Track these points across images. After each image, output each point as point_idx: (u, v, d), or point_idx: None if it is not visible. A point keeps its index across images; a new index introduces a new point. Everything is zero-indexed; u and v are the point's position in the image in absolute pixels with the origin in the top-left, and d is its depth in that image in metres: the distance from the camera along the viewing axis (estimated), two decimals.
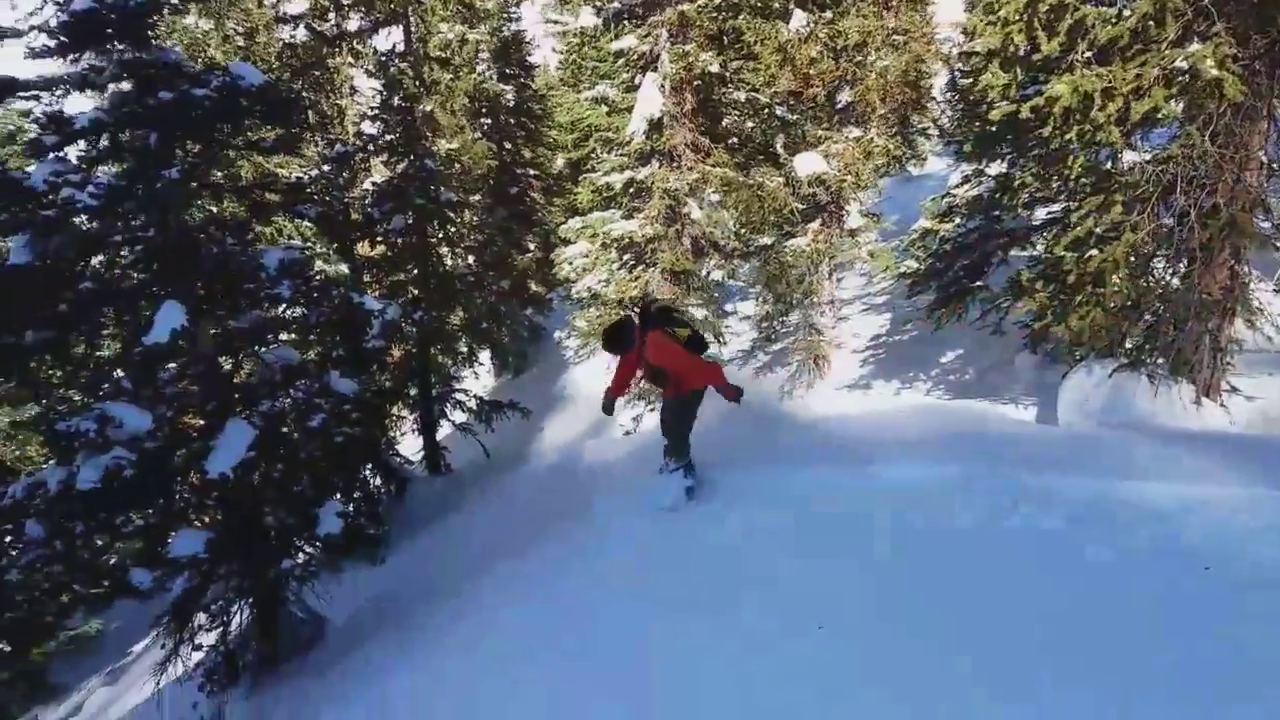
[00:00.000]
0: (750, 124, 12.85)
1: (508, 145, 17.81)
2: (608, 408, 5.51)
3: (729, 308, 14.84)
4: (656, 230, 12.13)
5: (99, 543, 7.54)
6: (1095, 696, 2.72)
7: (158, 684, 7.63)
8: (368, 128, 13.68)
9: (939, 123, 14.43)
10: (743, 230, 12.51)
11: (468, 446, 13.18)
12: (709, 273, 13.34)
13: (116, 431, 6.50)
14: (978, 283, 9.87)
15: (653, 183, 12.02)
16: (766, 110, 12.23)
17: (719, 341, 12.72)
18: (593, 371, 15.06)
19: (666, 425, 5.37)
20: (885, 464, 5.40)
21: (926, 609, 3.50)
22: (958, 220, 10.47)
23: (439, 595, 7.40)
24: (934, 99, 15.12)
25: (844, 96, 11.95)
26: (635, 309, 6.32)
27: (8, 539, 7.14)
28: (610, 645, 3.91)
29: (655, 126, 11.84)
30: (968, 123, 10.75)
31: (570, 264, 13.75)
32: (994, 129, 8.46)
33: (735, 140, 13.04)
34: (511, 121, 17.93)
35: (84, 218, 6.54)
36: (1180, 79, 6.88)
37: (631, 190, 12.38)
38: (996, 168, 10.01)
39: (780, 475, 5.46)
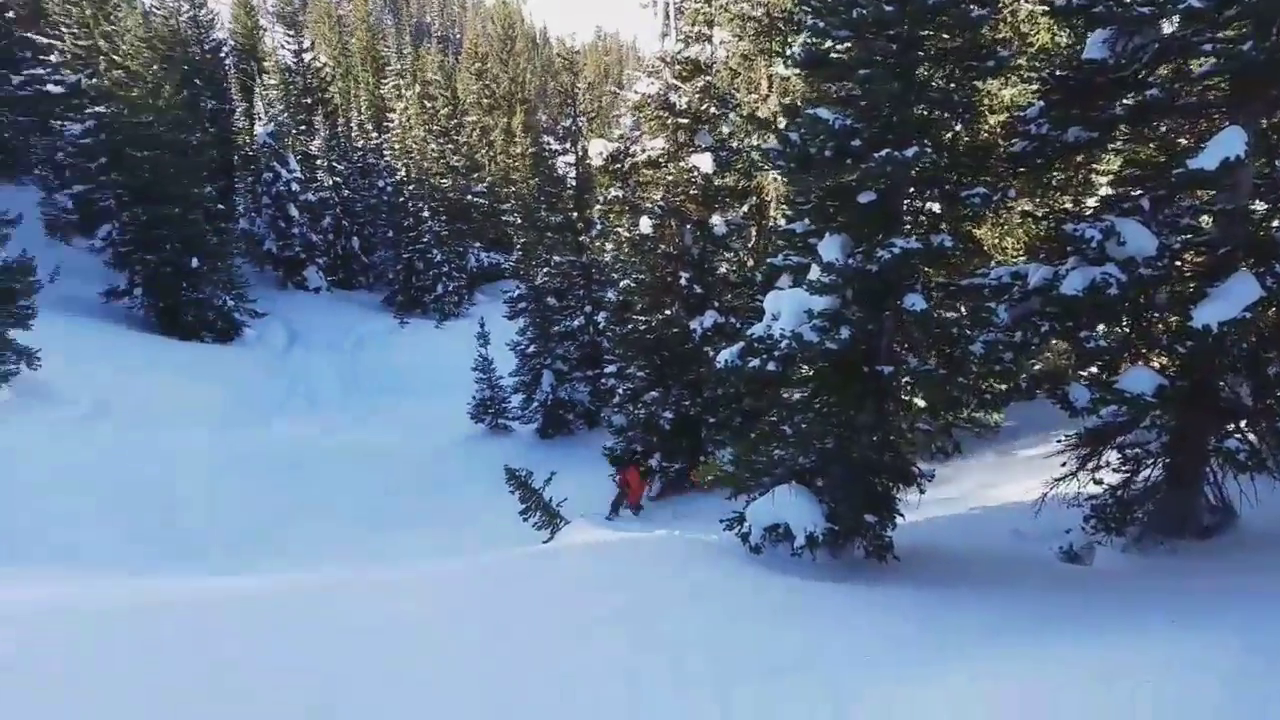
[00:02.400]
0: None
1: None
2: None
3: None
4: None
5: (1021, 344, 7.70)
6: None
7: (1043, 496, 7.88)
8: None
9: None
10: None
11: None
12: None
13: (1116, 249, 6.42)
14: None
15: None
16: None
17: None
18: None
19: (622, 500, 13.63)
20: None
21: None
22: None
23: None
24: None
25: None
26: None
27: (975, 316, 8.00)
28: None
29: None
30: None
31: None
32: None
33: None
34: None
35: (1176, 21, 6.19)
36: None
37: None
38: None
39: None
